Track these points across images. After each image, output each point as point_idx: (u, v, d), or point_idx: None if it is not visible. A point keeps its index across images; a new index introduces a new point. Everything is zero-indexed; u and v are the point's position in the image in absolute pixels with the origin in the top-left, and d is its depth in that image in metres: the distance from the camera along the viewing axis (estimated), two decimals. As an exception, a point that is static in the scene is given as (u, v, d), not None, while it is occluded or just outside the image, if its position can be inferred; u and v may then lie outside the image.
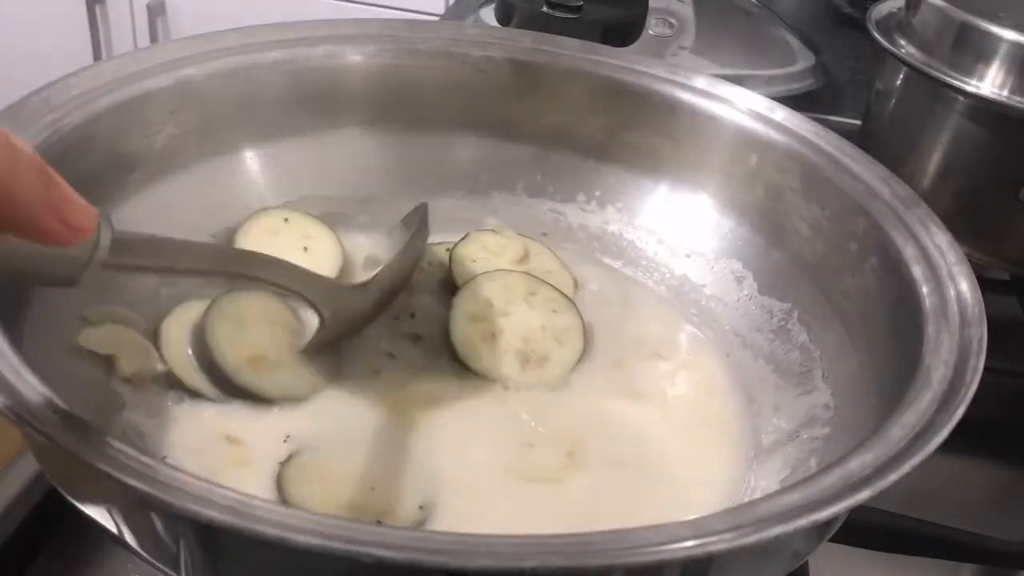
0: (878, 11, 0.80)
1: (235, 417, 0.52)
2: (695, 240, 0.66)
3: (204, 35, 0.62)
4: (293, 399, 0.53)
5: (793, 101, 0.79)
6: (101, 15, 1.99)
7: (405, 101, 0.67)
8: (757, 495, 0.51)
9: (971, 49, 0.70)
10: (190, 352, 0.54)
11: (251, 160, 0.64)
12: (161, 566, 0.38)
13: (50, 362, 0.43)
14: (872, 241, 0.55)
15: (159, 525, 0.37)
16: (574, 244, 0.69)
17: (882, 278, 0.54)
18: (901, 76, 0.77)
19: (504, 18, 0.94)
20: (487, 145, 0.69)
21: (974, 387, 0.43)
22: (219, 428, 0.51)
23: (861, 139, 0.73)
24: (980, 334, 0.46)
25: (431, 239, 0.63)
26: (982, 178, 0.73)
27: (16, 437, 0.44)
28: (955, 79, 0.70)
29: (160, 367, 0.53)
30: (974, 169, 0.73)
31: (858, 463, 0.38)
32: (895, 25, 0.77)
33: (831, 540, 0.44)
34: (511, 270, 0.63)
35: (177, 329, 0.55)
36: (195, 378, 0.53)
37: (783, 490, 0.38)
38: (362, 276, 0.62)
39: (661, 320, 0.65)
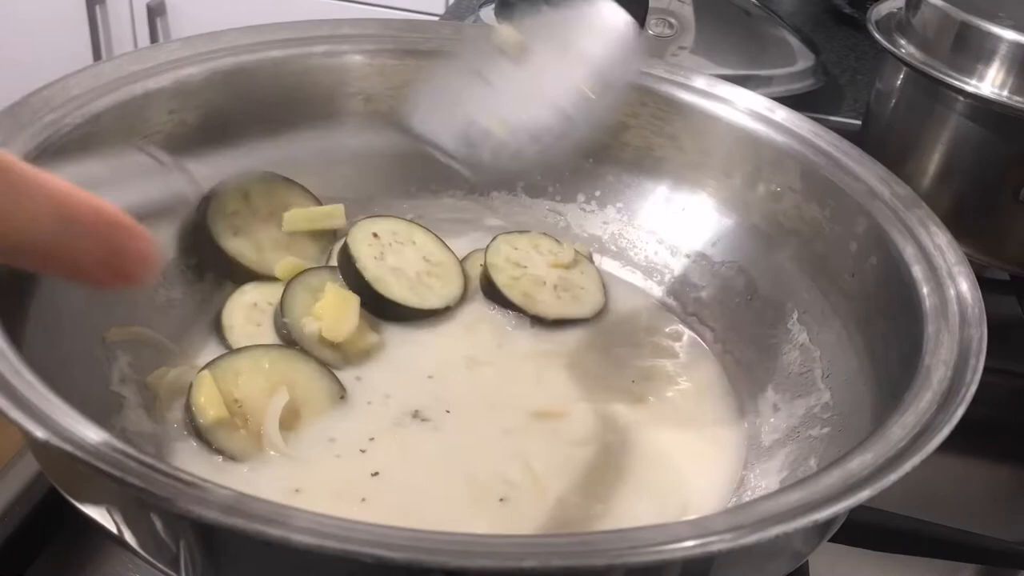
0: (878, 11, 0.80)
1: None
2: (695, 240, 0.66)
3: (204, 35, 0.62)
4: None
5: (793, 101, 0.79)
6: (101, 15, 1.99)
7: (405, 101, 0.67)
8: (757, 495, 0.51)
9: (971, 49, 0.69)
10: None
11: (251, 160, 0.64)
12: (161, 566, 0.38)
13: (50, 363, 0.43)
14: (872, 241, 0.55)
15: (159, 525, 0.37)
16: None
17: (882, 278, 0.54)
18: (901, 76, 0.77)
19: (504, 18, 0.94)
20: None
21: (974, 387, 0.43)
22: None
23: (861, 139, 0.73)
24: (980, 334, 0.46)
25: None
26: (982, 178, 0.73)
27: (16, 437, 0.44)
28: (955, 79, 0.70)
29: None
30: (974, 169, 0.73)
31: (858, 463, 0.38)
32: (895, 25, 0.77)
33: (831, 540, 0.44)
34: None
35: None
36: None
37: (783, 490, 0.38)
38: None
39: (661, 320, 0.65)
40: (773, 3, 1.16)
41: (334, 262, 0.62)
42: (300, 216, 0.63)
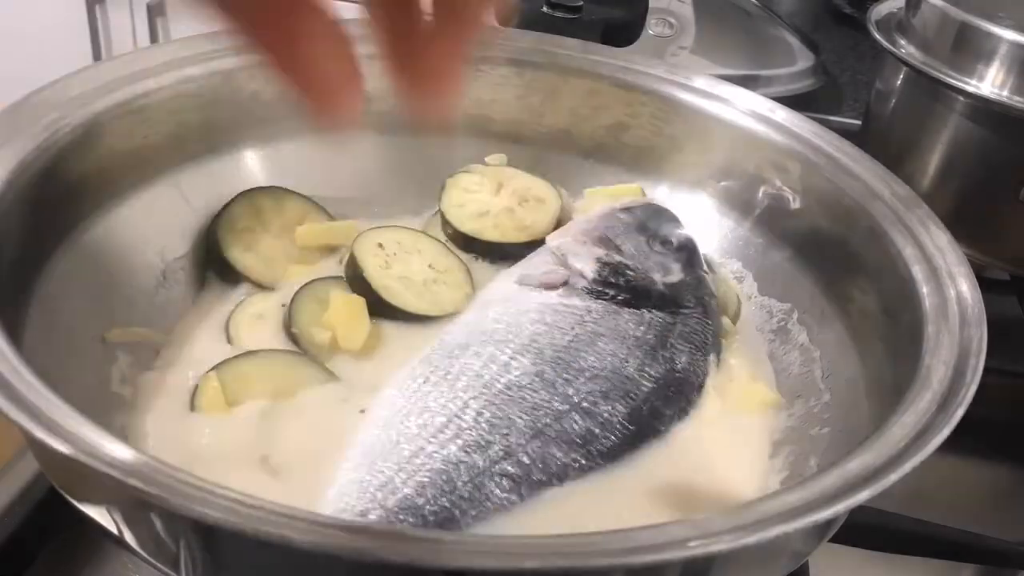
0: (878, 11, 0.80)
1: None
2: (695, 240, 0.66)
3: (204, 35, 0.62)
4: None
5: (793, 101, 0.79)
6: (101, 15, 1.99)
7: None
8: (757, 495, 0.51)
9: (971, 49, 0.70)
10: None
11: (251, 160, 0.64)
12: (161, 566, 0.38)
13: (50, 363, 0.43)
14: (872, 241, 0.55)
15: (159, 525, 0.37)
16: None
17: (882, 278, 0.54)
18: (901, 76, 0.77)
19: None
20: (488, 145, 0.69)
21: (974, 387, 0.43)
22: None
23: (861, 139, 0.73)
24: (980, 334, 0.46)
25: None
26: (982, 178, 0.73)
27: (16, 437, 0.44)
28: (955, 79, 0.70)
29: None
30: (974, 169, 0.73)
31: (858, 463, 0.38)
32: (895, 25, 0.77)
33: (831, 540, 0.44)
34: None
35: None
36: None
37: (783, 490, 0.38)
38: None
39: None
40: (773, 3, 1.16)
41: (341, 272, 0.61)
42: (313, 232, 0.62)
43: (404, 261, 0.61)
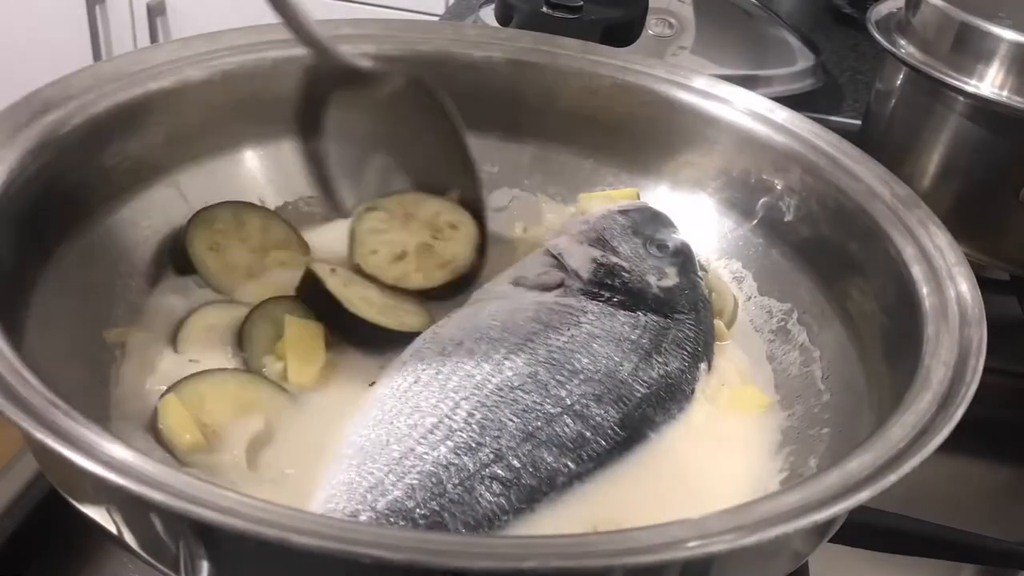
0: (878, 11, 0.80)
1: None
2: (695, 240, 0.66)
3: (204, 35, 0.62)
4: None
5: (793, 101, 0.79)
6: (101, 15, 1.99)
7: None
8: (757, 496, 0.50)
9: (971, 49, 0.69)
10: None
11: (251, 160, 0.64)
12: (161, 566, 0.38)
13: (50, 363, 0.43)
14: (872, 241, 0.55)
15: (159, 525, 0.37)
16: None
17: (882, 278, 0.54)
18: (901, 76, 0.77)
19: (504, 18, 0.94)
20: (487, 145, 0.69)
21: (974, 387, 0.43)
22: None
23: (861, 139, 0.73)
24: (980, 334, 0.46)
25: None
26: (982, 178, 0.73)
27: (16, 437, 0.44)
28: (955, 79, 0.70)
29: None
30: (974, 169, 0.73)
31: (858, 463, 0.38)
32: (895, 25, 0.77)
33: (831, 540, 0.44)
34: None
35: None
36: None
37: (783, 490, 0.38)
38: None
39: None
40: (773, 3, 1.16)
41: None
42: None
43: (363, 285, 0.58)
